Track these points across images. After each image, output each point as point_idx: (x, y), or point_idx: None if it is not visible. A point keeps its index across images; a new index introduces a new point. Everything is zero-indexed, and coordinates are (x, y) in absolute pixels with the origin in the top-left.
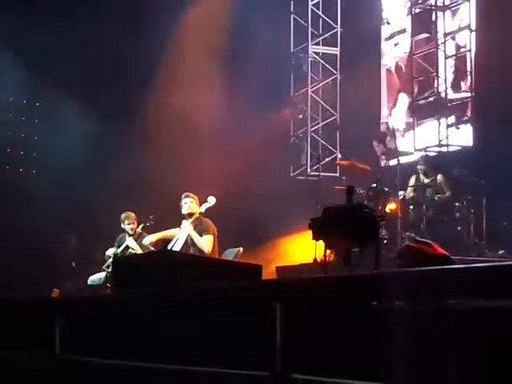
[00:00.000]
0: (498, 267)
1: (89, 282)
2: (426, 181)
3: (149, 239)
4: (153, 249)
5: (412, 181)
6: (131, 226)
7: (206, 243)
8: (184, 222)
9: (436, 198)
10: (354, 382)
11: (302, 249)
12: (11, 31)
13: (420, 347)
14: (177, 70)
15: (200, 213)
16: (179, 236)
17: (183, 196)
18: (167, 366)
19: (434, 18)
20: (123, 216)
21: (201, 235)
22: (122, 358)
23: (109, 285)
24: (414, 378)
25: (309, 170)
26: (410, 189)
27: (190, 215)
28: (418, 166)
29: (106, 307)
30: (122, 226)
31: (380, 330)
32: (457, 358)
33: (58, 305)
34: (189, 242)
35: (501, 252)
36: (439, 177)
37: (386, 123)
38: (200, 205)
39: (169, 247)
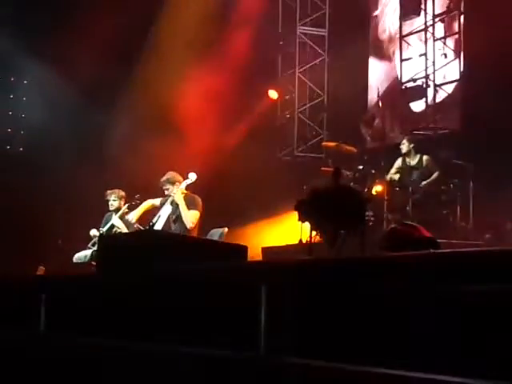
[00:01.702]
0: (485, 252)
1: (74, 259)
2: (412, 163)
3: (134, 216)
4: (141, 227)
5: (398, 163)
6: (116, 202)
7: (190, 218)
8: (177, 193)
9: (422, 185)
10: (338, 365)
11: (288, 230)
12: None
13: (405, 330)
14: (162, 48)
15: (180, 190)
16: (161, 214)
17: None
18: (152, 345)
19: (423, 0)
20: (109, 192)
21: (188, 208)
22: (107, 337)
23: (94, 263)
24: (401, 360)
25: (295, 151)
26: (393, 170)
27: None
28: (401, 146)
29: (90, 286)
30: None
31: (365, 313)
32: (444, 340)
33: (44, 282)
34: (171, 219)
35: (487, 236)
36: (425, 158)
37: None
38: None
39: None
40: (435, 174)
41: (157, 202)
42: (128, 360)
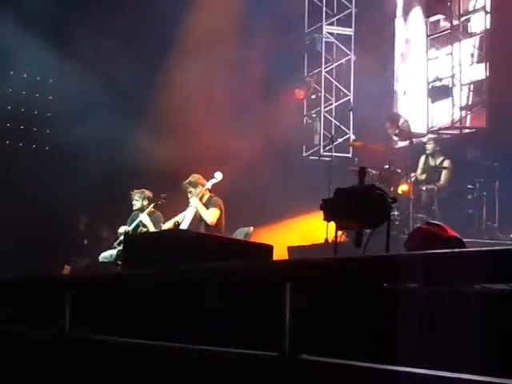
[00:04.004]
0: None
1: (100, 258)
2: (436, 163)
3: (167, 226)
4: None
5: (421, 161)
6: (138, 202)
7: (210, 215)
8: (192, 198)
9: (429, 187)
10: (362, 364)
11: (314, 229)
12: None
13: (431, 330)
14: (186, 48)
15: (207, 189)
16: (186, 214)
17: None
18: (175, 345)
19: None
20: (135, 191)
21: (207, 208)
22: (131, 337)
23: (119, 262)
24: (424, 360)
25: (321, 151)
26: (419, 170)
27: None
28: (427, 146)
29: (115, 285)
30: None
31: (390, 312)
32: (467, 339)
33: (69, 282)
34: (198, 218)
35: None
36: (446, 162)
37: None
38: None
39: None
40: (443, 183)
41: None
42: (152, 359)
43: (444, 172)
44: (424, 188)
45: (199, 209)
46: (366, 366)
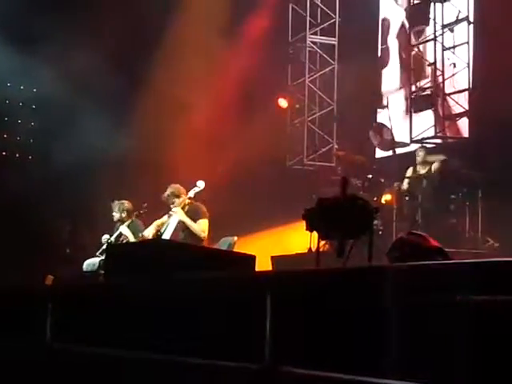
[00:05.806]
0: (497, 263)
1: (84, 267)
2: (422, 171)
3: (150, 233)
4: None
5: (409, 172)
6: (117, 214)
7: (201, 228)
8: (177, 209)
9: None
10: (344, 376)
11: (298, 238)
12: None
13: (414, 341)
14: (172, 55)
15: (189, 198)
16: (169, 222)
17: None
18: (155, 356)
19: (431, 10)
20: (115, 203)
21: (194, 220)
22: (112, 347)
23: (102, 271)
24: (406, 372)
25: (305, 160)
26: (405, 180)
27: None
28: (418, 153)
29: (97, 295)
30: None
31: (372, 323)
32: (452, 352)
33: (50, 292)
34: (179, 228)
35: (496, 245)
36: (434, 165)
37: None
38: (187, 192)
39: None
40: (433, 170)
41: (166, 218)
42: (133, 370)
43: (436, 162)
44: (407, 199)
45: (187, 223)
46: (348, 378)
